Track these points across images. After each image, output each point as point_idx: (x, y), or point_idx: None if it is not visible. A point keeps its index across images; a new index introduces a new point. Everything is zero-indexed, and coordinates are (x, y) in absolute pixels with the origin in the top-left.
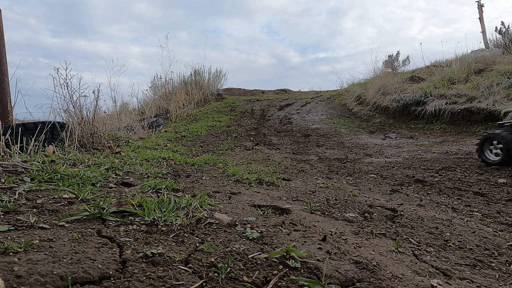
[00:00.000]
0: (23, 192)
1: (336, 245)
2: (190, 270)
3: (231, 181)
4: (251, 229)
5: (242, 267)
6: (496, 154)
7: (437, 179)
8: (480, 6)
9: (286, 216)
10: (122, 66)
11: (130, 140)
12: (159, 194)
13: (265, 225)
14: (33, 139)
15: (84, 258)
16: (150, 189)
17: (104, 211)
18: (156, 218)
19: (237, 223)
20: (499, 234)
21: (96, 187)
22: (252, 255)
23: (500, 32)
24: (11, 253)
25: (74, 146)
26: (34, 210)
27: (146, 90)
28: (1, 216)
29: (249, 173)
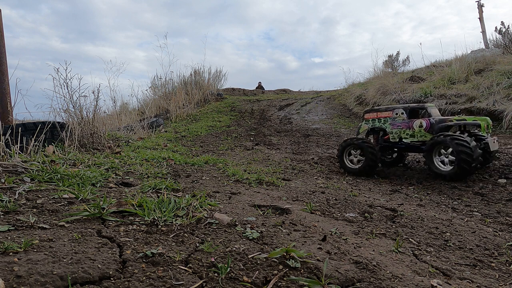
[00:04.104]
0: (23, 192)
1: (336, 245)
2: (190, 270)
3: (231, 181)
4: (251, 229)
5: (242, 267)
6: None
7: (437, 179)
8: (480, 6)
9: (286, 216)
10: (121, 66)
11: (130, 140)
12: (159, 194)
13: (265, 225)
14: (33, 139)
15: (84, 258)
16: (150, 189)
17: (104, 211)
18: (156, 218)
19: (237, 223)
20: (499, 234)
21: (96, 187)
22: (252, 255)
23: (500, 32)
24: (11, 253)
25: (74, 146)
26: (34, 210)
27: (146, 90)
28: (1, 216)
29: (249, 173)
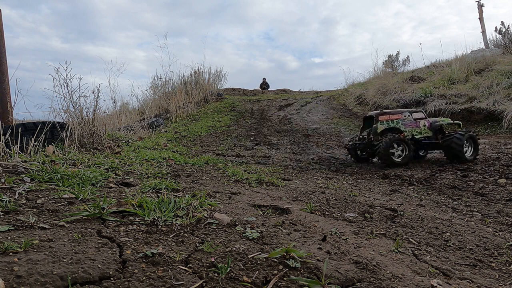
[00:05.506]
0: (23, 192)
1: (336, 245)
2: (190, 270)
3: (231, 181)
4: (251, 229)
5: (242, 267)
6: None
7: (437, 179)
8: (480, 6)
9: (286, 216)
10: (121, 66)
11: (130, 140)
12: (159, 194)
13: (265, 225)
14: (33, 139)
15: (84, 258)
16: (150, 189)
17: (104, 211)
18: (156, 218)
19: (237, 223)
20: (499, 234)
21: (96, 187)
22: (252, 255)
23: (500, 32)
24: (11, 253)
25: (74, 146)
26: (34, 210)
27: (146, 90)
28: (1, 216)
29: (249, 173)
